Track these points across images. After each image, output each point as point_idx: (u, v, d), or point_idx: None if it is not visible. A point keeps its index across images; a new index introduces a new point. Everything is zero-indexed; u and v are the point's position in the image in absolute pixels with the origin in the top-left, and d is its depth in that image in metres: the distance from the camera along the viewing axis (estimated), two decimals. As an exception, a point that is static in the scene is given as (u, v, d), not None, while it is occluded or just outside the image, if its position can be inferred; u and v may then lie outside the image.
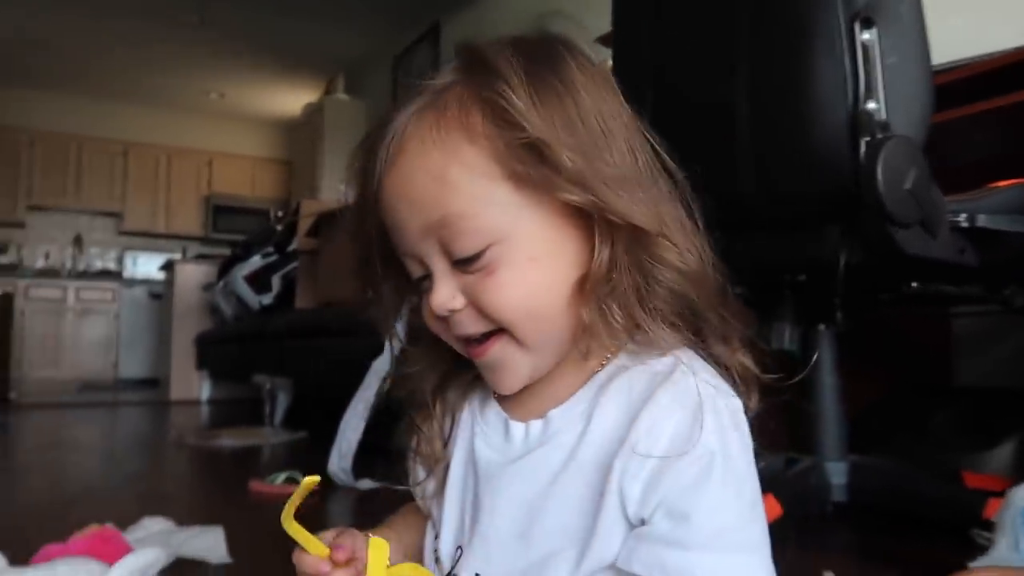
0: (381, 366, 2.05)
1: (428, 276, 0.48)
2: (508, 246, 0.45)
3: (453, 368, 0.55)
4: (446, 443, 0.55)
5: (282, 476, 2.02)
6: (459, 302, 0.47)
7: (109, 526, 1.01)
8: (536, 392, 0.50)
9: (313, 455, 2.33)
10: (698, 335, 0.49)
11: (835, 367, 1.40)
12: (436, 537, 0.55)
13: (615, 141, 0.47)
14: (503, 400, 0.53)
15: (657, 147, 0.49)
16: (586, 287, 0.46)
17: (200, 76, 6.62)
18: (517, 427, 0.51)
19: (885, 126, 1.09)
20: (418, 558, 0.57)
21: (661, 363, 0.47)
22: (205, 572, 1.20)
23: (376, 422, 1.96)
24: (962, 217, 1.18)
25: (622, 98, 0.50)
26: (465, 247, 0.45)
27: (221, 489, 2.17)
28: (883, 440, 1.51)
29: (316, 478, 0.47)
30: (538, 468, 0.48)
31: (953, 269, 1.21)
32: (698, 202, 0.50)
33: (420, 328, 0.53)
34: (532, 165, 0.44)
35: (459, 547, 0.51)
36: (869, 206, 1.08)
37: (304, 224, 3.32)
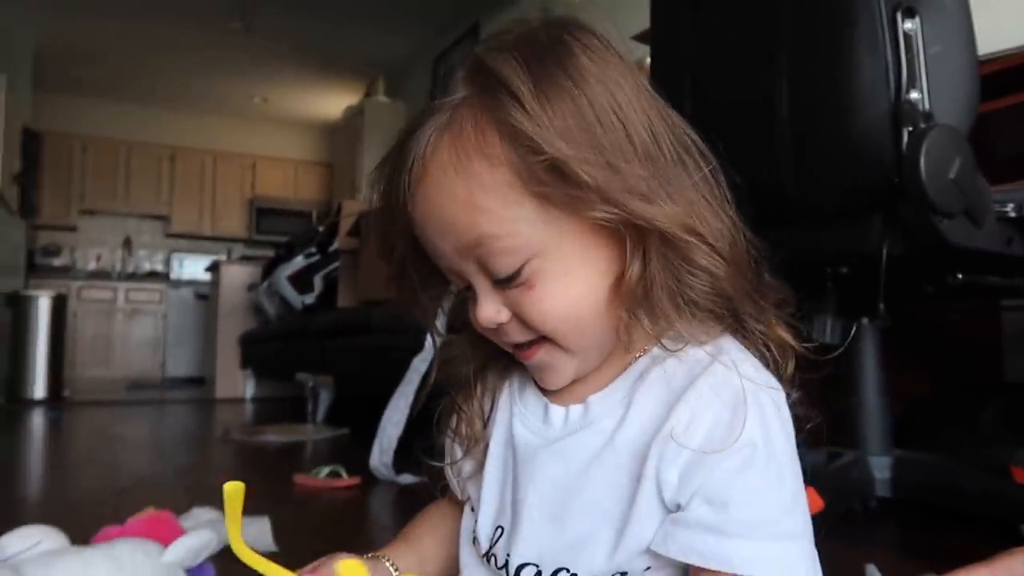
0: (422, 363, 2.08)
1: (471, 287, 0.49)
2: (544, 260, 0.46)
3: (492, 353, 0.56)
4: (486, 423, 0.56)
5: (325, 470, 2.06)
6: (504, 316, 0.48)
7: (165, 511, 1.05)
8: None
9: (355, 451, 2.37)
10: (735, 318, 0.49)
11: (878, 360, 1.38)
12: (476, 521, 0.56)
13: (635, 131, 0.45)
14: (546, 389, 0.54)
15: (679, 123, 0.49)
16: (621, 290, 0.47)
17: (244, 82, 6.75)
18: (557, 411, 0.52)
19: (928, 116, 1.07)
20: (439, 564, 0.58)
21: (700, 353, 0.47)
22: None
23: (417, 418, 1.99)
24: (1009, 207, 1.16)
25: (638, 75, 0.48)
26: (503, 267, 0.46)
27: (266, 482, 2.21)
28: (930, 436, 1.49)
29: (239, 485, 0.47)
30: (575, 451, 0.49)
31: (1000, 260, 1.19)
32: (727, 175, 0.49)
33: (462, 316, 0.54)
34: (554, 184, 0.44)
35: (498, 527, 0.52)
36: (912, 196, 1.07)
37: (345, 224, 3.37)
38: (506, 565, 0.50)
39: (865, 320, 1.39)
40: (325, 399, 3.56)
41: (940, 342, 1.93)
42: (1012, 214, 1.16)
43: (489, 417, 0.55)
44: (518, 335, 0.48)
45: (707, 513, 0.43)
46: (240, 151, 7.70)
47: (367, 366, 2.76)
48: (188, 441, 3.34)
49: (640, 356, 0.50)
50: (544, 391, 0.53)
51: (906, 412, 1.56)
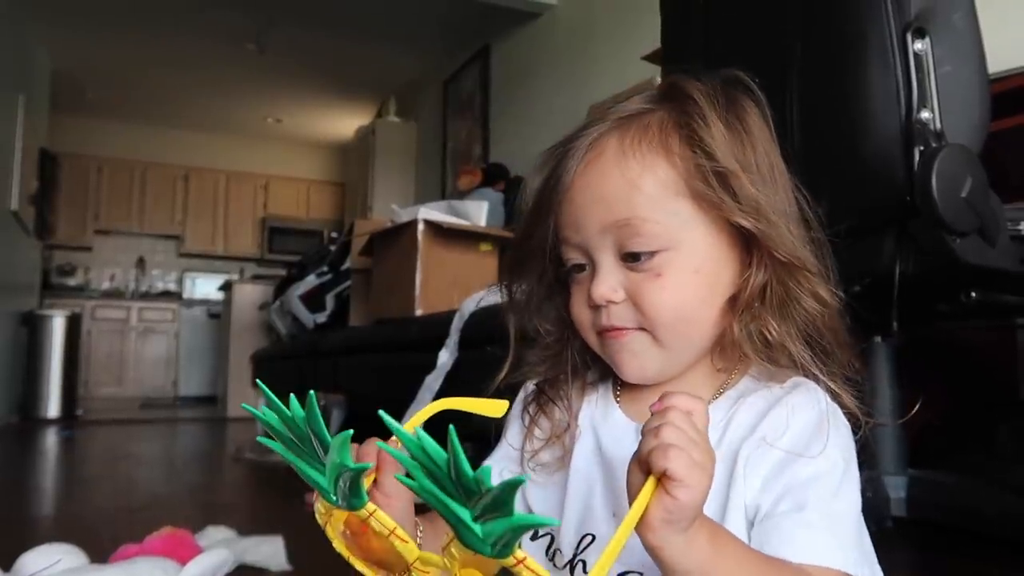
0: (434, 381, 2.08)
1: (584, 267, 0.53)
2: (678, 254, 0.51)
3: (572, 369, 0.59)
4: (572, 418, 0.57)
5: (338, 488, 2.06)
6: (619, 295, 0.51)
7: (181, 529, 1.05)
8: None
9: (367, 469, 2.36)
10: (816, 366, 0.53)
11: (892, 379, 1.37)
12: (534, 531, 0.57)
13: (783, 187, 0.54)
14: (628, 406, 0.56)
15: (802, 199, 0.55)
16: (736, 305, 0.52)
17: (258, 103, 6.83)
18: None
19: (939, 135, 1.08)
20: None
21: (785, 385, 0.53)
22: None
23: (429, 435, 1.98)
24: (1022, 226, 1.16)
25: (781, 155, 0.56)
26: (640, 245, 0.50)
27: (279, 501, 2.21)
28: (946, 455, 1.48)
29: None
30: None
31: (1014, 278, 1.18)
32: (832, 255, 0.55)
33: (549, 331, 0.58)
34: (715, 188, 0.50)
35: (587, 535, 0.53)
36: (924, 215, 1.07)
37: (357, 243, 3.38)
38: None
39: (879, 339, 1.39)
40: (337, 418, 3.57)
41: (955, 361, 1.92)
42: (1025, 232, 1.16)
43: (575, 414, 0.57)
44: (621, 319, 0.52)
45: (793, 510, 0.47)
46: (253, 171, 7.77)
47: (379, 384, 2.76)
48: (201, 460, 3.35)
49: (730, 383, 0.54)
50: (631, 414, 0.55)
51: (922, 432, 1.55)
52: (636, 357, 0.53)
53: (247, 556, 1.40)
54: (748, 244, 0.52)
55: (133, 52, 5.73)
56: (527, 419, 0.59)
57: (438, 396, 2.02)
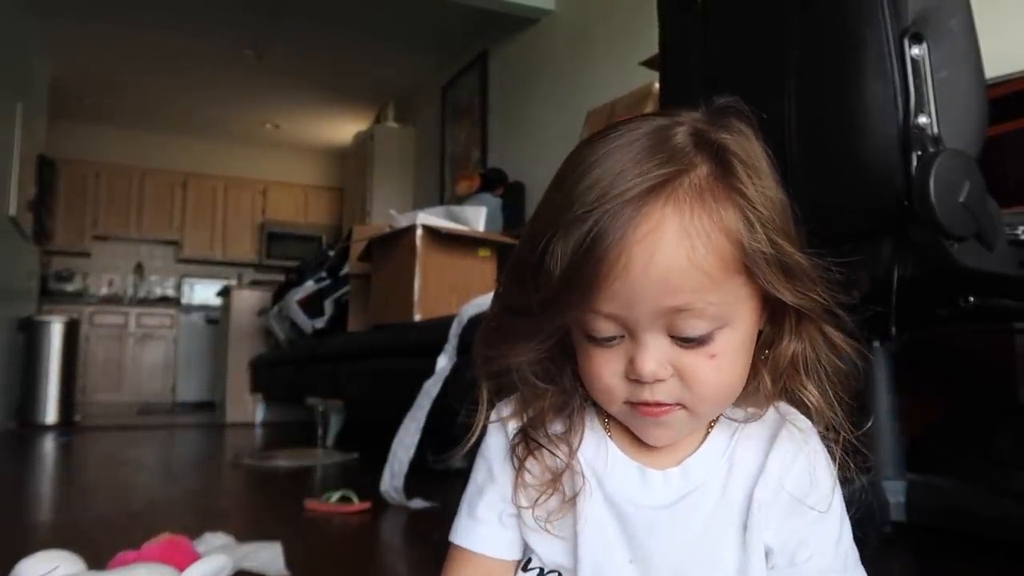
0: (433, 387, 2.08)
1: (614, 337, 0.48)
2: (731, 332, 0.48)
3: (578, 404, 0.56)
4: (572, 454, 0.54)
5: (336, 495, 2.05)
6: (666, 372, 0.48)
7: (179, 535, 1.05)
8: None
9: (365, 475, 2.37)
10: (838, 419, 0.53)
11: (891, 384, 1.37)
12: (535, 569, 0.56)
13: (796, 238, 0.50)
14: (622, 441, 0.54)
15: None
16: (768, 369, 0.52)
17: (257, 109, 6.84)
18: (654, 475, 0.53)
19: (937, 140, 1.08)
20: None
21: (772, 412, 0.53)
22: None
23: (427, 442, 1.99)
24: (1020, 230, 1.16)
25: None
26: (698, 329, 0.47)
27: (277, 507, 2.21)
28: (944, 460, 1.48)
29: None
30: (692, 512, 0.52)
31: (1012, 283, 1.19)
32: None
33: (528, 384, 0.54)
34: (766, 266, 0.47)
35: None
36: (922, 220, 1.07)
37: (356, 249, 3.38)
38: None
39: (877, 343, 1.39)
40: (335, 423, 3.56)
41: (953, 366, 1.92)
42: (1023, 237, 1.16)
43: (576, 450, 0.54)
44: (667, 395, 0.48)
45: (816, 557, 0.50)
46: (251, 176, 7.77)
47: (378, 390, 2.76)
48: (199, 465, 3.35)
49: (718, 419, 0.54)
50: (631, 455, 0.54)
51: (922, 437, 1.55)
52: (669, 429, 0.51)
53: (245, 562, 1.40)
54: (775, 306, 0.50)
55: (131, 58, 5.74)
56: (515, 463, 0.55)
57: (437, 401, 2.02)
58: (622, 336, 0.48)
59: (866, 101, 1.12)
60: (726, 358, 0.48)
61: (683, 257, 0.45)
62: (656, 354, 0.47)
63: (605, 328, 0.48)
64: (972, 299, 1.23)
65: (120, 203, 7.24)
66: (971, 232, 1.09)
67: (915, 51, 1.09)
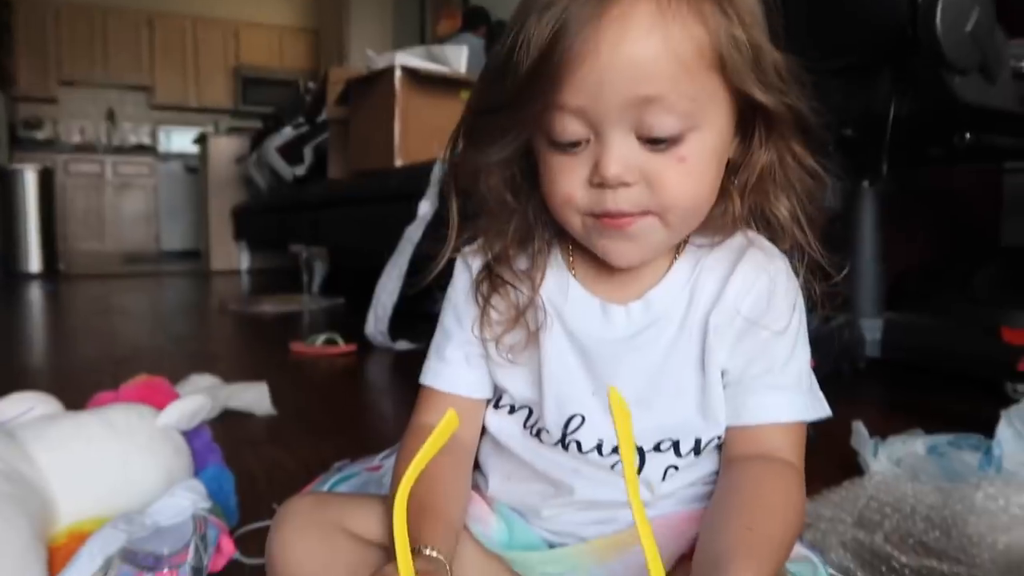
0: (414, 232, 2.06)
1: (581, 143, 0.46)
2: (701, 135, 0.45)
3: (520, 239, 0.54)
4: (535, 291, 0.53)
5: (321, 338, 2.08)
6: (632, 177, 0.45)
7: (158, 377, 1.05)
8: (620, 275, 0.51)
9: (351, 319, 2.39)
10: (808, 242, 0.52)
11: (876, 225, 1.36)
12: (505, 406, 0.56)
13: (774, 42, 0.48)
14: (585, 279, 0.53)
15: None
16: (738, 183, 0.50)
17: (220, -62, 6.36)
18: (616, 309, 0.52)
19: (948, -39, 1.00)
20: (461, 525, 0.53)
21: (738, 238, 0.52)
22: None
23: (410, 286, 1.99)
24: (1025, 62, 1.11)
25: None
26: (667, 127, 0.44)
27: (264, 350, 2.25)
28: (925, 299, 1.49)
29: (454, 421, 0.41)
30: (653, 343, 0.51)
31: (1011, 118, 1.15)
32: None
33: (495, 199, 0.52)
34: (748, 62, 0.44)
35: (574, 416, 0.52)
36: (925, 50, 1.02)
37: (333, 92, 3.25)
38: (599, 448, 0.52)
39: (866, 184, 1.37)
40: (320, 270, 3.57)
41: (939, 207, 1.91)
42: (1028, 69, 1.11)
43: (539, 285, 0.53)
44: (631, 203, 0.46)
45: (763, 374, 0.50)
46: (222, 16, 7.36)
47: (360, 236, 2.74)
48: (186, 312, 3.38)
49: (684, 248, 0.52)
50: (593, 290, 0.53)
51: (903, 277, 1.56)
52: (637, 243, 0.48)
53: (232, 402, 1.43)
54: (745, 117, 0.48)
55: None
56: (480, 301, 0.54)
57: (418, 246, 2.00)
58: (588, 140, 0.46)
59: (875, -82, 1.03)
60: (696, 163, 0.45)
61: (657, 41, 0.42)
62: (622, 154, 0.45)
63: (571, 129, 0.45)
64: (968, 136, 1.19)
65: (83, 45, 6.87)
66: (975, 64, 1.04)
67: None
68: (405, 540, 0.38)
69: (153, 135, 7.40)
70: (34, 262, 5.07)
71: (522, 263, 0.54)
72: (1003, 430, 0.86)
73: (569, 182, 0.47)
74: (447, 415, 0.41)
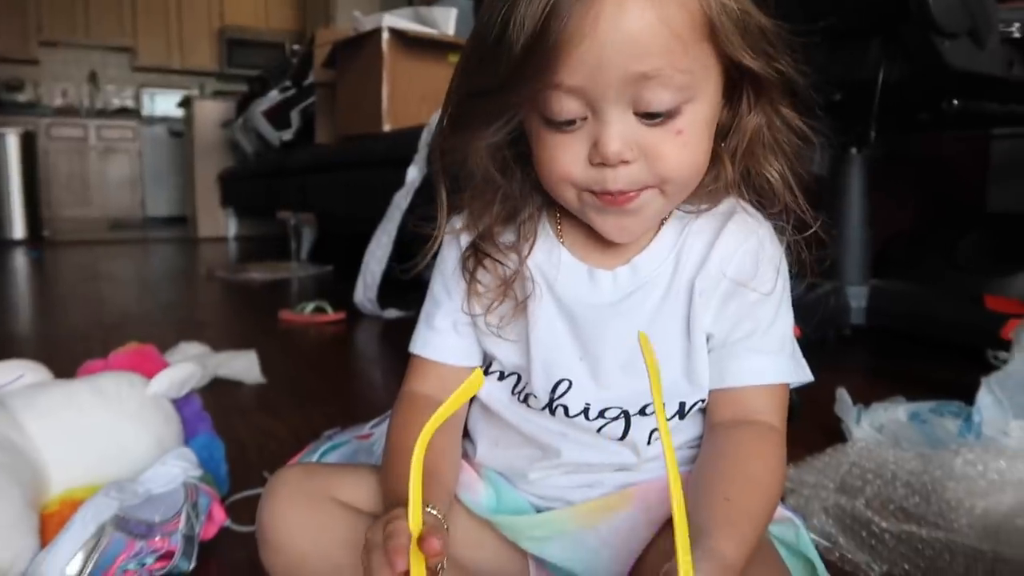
0: (403, 199, 2.05)
1: (576, 121, 0.45)
2: (696, 107, 0.45)
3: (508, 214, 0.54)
4: (522, 262, 0.53)
5: (310, 306, 2.08)
6: (632, 154, 0.45)
7: (147, 344, 1.05)
8: (609, 241, 0.51)
9: (340, 286, 2.39)
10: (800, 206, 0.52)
11: (863, 192, 1.36)
12: (495, 372, 0.56)
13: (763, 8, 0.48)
14: (574, 245, 0.54)
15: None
16: (728, 147, 0.50)
17: None
18: (603, 274, 0.53)
19: (940, -77, 0.99)
20: (453, 486, 0.54)
21: (725, 205, 0.52)
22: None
23: (399, 253, 1.99)
24: (1015, 27, 1.10)
25: None
26: (664, 101, 0.44)
27: (253, 318, 2.24)
28: (910, 266, 1.51)
29: (479, 379, 0.42)
30: (639, 307, 0.52)
31: (999, 84, 1.15)
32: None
33: (483, 176, 0.52)
34: (739, 29, 0.44)
35: (562, 380, 0.53)
36: (915, 14, 1.01)
37: (320, 55, 3.20)
38: (585, 412, 0.53)
39: (854, 150, 1.37)
40: (308, 237, 3.56)
41: (926, 173, 1.91)
42: (1017, 35, 1.10)
43: (526, 256, 0.53)
44: (631, 180, 0.46)
45: (747, 337, 0.51)
46: (204, -25, 7.21)
47: (348, 203, 2.72)
48: (173, 279, 3.36)
49: (671, 214, 0.52)
50: (580, 256, 0.53)
51: (889, 243, 1.57)
52: (637, 217, 0.48)
53: (221, 370, 1.43)
54: (734, 82, 0.48)
55: None
56: (466, 276, 0.54)
57: (407, 213, 1.99)
58: (584, 119, 0.45)
59: None
60: (692, 135, 0.46)
61: (653, 16, 0.42)
62: (622, 131, 0.45)
63: (567, 108, 0.45)
64: (956, 102, 1.19)
65: (64, 4, 6.72)
66: (965, 28, 1.04)
67: None
68: (419, 492, 0.39)
69: (137, 98, 7.27)
70: (18, 228, 5.02)
71: (508, 237, 0.54)
72: (983, 397, 0.88)
73: (566, 160, 0.47)
74: (474, 373, 0.42)
